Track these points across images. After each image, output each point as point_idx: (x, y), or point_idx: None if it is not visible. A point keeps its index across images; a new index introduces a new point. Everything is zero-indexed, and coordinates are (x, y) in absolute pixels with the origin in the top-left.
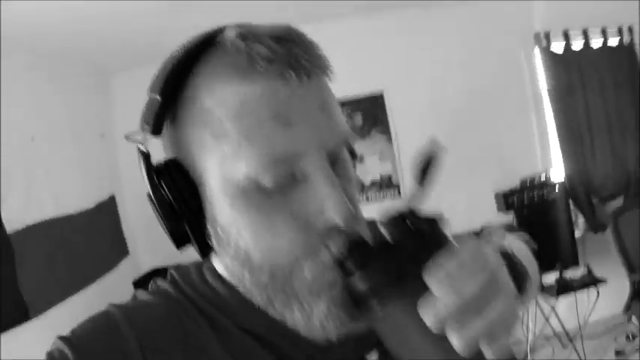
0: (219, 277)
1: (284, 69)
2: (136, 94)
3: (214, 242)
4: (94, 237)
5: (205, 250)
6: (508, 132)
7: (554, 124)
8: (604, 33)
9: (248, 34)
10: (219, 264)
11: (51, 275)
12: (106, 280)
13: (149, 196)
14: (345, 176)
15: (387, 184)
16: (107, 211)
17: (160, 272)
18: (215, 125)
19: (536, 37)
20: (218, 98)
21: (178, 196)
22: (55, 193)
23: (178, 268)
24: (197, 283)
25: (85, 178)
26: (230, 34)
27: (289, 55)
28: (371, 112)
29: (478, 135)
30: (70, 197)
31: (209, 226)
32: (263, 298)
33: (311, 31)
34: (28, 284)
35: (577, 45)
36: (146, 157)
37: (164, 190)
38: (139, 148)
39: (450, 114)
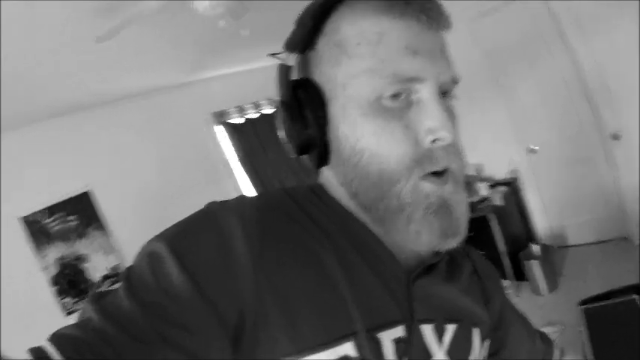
0: (325, 192)
1: (418, 13)
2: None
3: (334, 148)
4: None
5: (322, 160)
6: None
7: (250, 183)
8: (270, 103)
9: None
10: (326, 179)
11: None
12: None
13: (284, 104)
14: (449, 111)
15: (118, 274)
16: None
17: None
18: (353, 48)
19: (215, 115)
20: (358, 29)
21: (312, 107)
22: None
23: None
24: (303, 192)
25: None
26: None
27: (423, 4)
28: (85, 213)
29: (180, 206)
30: None
31: (332, 134)
32: (369, 198)
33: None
34: None
35: (251, 115)
36: (287, 68)
37: (300, 100)
38: (282, 63)
39: (156, 194)
